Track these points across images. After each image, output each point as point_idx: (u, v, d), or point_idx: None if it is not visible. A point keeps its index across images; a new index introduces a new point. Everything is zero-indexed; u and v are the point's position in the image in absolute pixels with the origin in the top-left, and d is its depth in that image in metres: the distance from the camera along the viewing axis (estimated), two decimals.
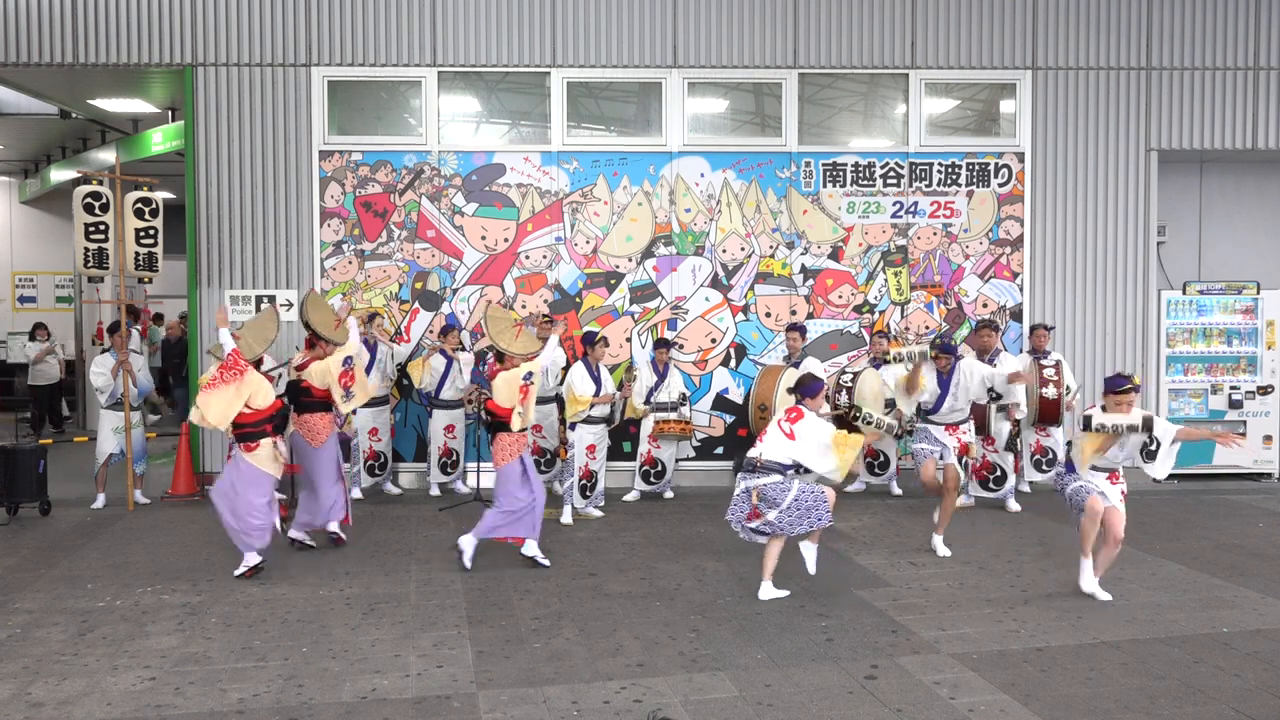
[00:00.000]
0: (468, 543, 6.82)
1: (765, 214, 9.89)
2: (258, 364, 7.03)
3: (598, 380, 8.35)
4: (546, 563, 6.89)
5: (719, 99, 10.21)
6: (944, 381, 7.34)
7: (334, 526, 7.47)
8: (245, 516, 6.62)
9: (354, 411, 9.27)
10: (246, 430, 6.68)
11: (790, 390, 6.43)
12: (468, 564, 6.79)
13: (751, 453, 6.17)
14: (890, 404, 9.13)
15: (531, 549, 6.91)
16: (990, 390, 7.37)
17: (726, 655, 5.17)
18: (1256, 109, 10.19)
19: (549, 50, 9.74)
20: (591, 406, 8.28)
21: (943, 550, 7.22)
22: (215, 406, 6.56)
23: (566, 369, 8.79)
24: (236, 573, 6.61)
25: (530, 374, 6.86)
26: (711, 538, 7.69)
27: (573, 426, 8.43)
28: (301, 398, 7.43)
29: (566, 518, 8.32)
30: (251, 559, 6.65)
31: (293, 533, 7.41)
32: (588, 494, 8.47)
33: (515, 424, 6.83)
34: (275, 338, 7.37)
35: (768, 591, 6.14)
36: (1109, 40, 10.04)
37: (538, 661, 5.09)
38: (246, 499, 6.62)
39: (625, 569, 6.84)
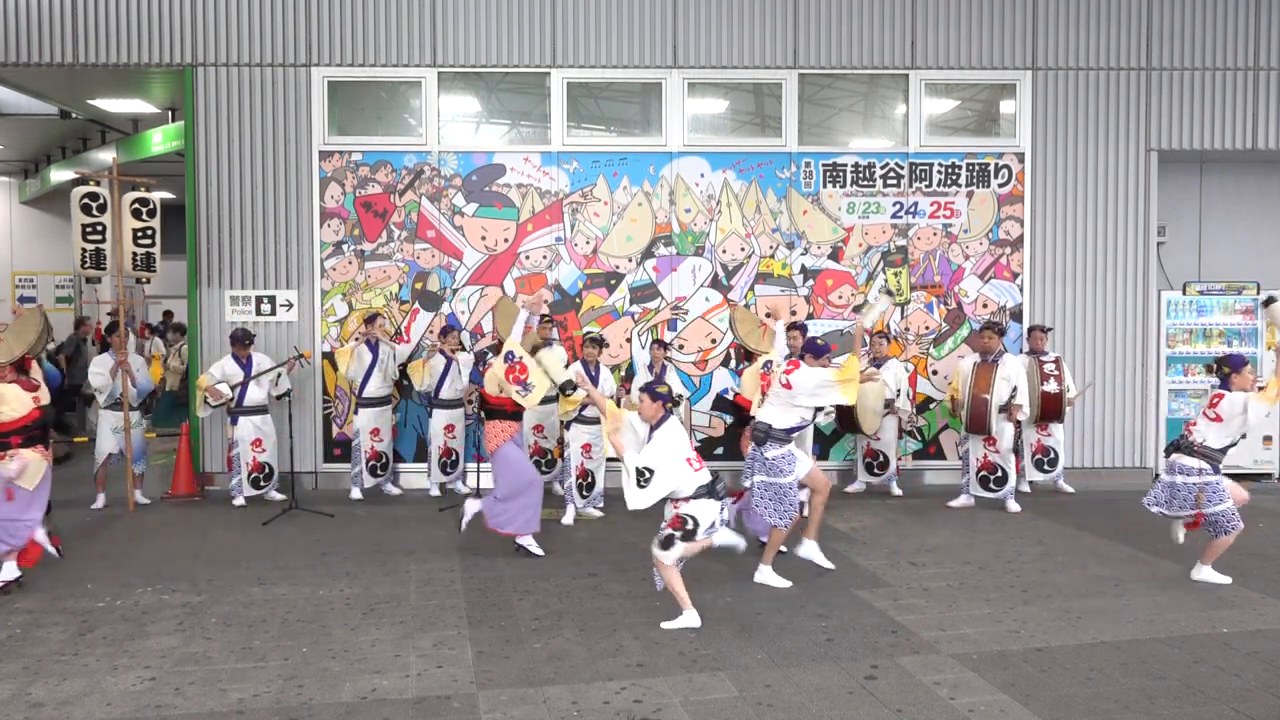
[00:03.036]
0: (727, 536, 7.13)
1: (765, 214, 9.89)
2: (21, 366, 6.66)
3: (595, 380, 8.35)
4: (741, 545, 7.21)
5: (719, 99, 10.21)
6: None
7: (525, 540, 7.18)
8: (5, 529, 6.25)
9: (355, 411, 9.31)
10: None
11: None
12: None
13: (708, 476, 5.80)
14: (889, 404, 9.16)
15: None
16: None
17: (726, 655, 5.17)
18: (1256, 109, 10.19)
19: (549, 50, 9.74)
20: (584, 407, 8.28)
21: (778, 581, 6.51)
22: None
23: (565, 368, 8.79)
24: None
25: (769, 361, 7.24)
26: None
27: (568, 426, 8.43)
28: (484, 406, 7.37)
29: (568, 518, 8.32)
30: (9, 571, 6.30)
31: (519, 539, 7.21)
32: (585, 493, 8.46)
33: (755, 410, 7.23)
34: (39, 340, 6.92)
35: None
36: (1109, 40, 10.04)
37: (538, 661, 5.09)
38: (5, 512, 6.24)
39: (625, 569, 6.84)
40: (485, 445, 7.37)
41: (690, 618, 5.62)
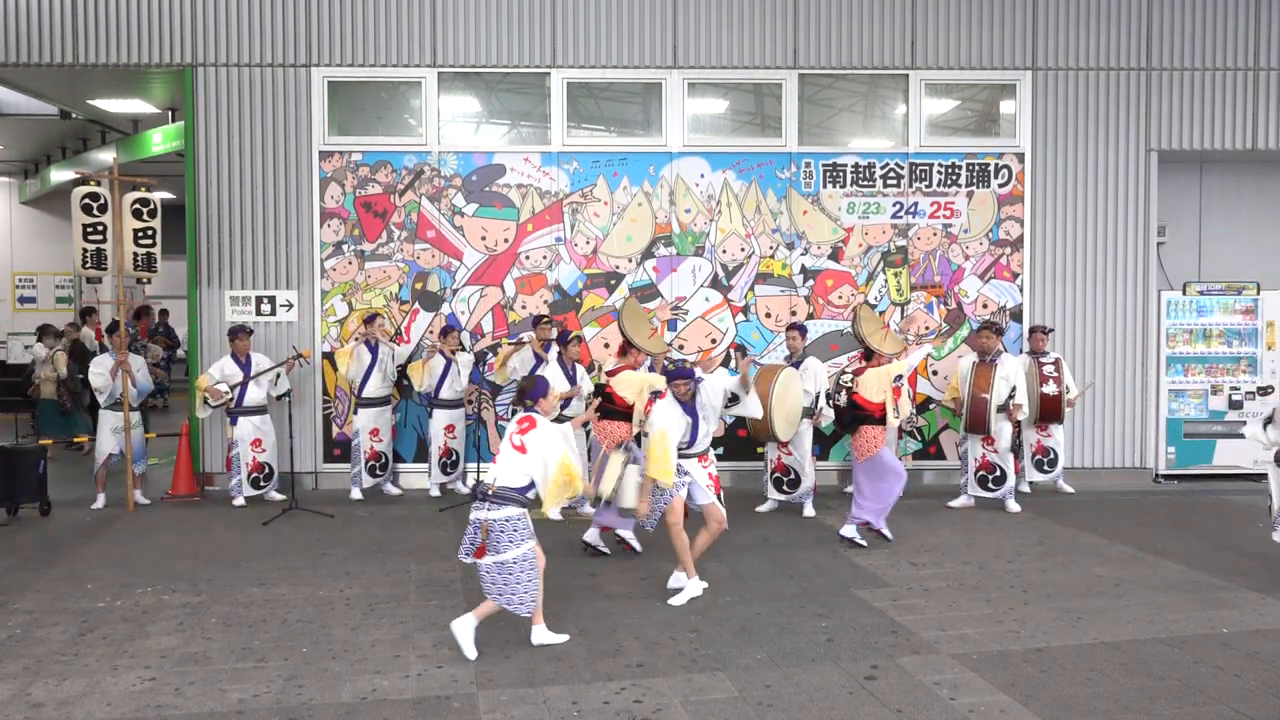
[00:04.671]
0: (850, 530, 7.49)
1: (765, 214, 9.89)
2: None
3: (572, 380, 8.39)
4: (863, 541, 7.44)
5: (719, 99, 10.21)
6: (690, 409, 6.13)
7: (626, 534, 7.22)
8: None
9: (355, 411, 9.32)
10: None
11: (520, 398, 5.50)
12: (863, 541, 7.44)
13: (486, 477, 5.25)
14: None
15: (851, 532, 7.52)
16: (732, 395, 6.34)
17: (726, 655, 5.17)
18: (1256, 109, 10.19)
19: (549, 50, 9.75)
20: (565, 405, 8.30)
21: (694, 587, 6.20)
22: None
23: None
24: None
25: (900, 376, 7.42)
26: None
27: None
28: (605, 404, 7.24)
29: (555, 514, 8.36)
30: None
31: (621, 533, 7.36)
32: None
33: (890, 419, 7.48)
34: None
35: (541, 635, 5.33)
36: (1109, 40, 10.04)
37: (538, 661, 5.09)
38: None
39: (625, 569, 6.84)
40: (600, 443, 7.48)
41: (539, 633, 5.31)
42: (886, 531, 7.56)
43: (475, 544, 5.14)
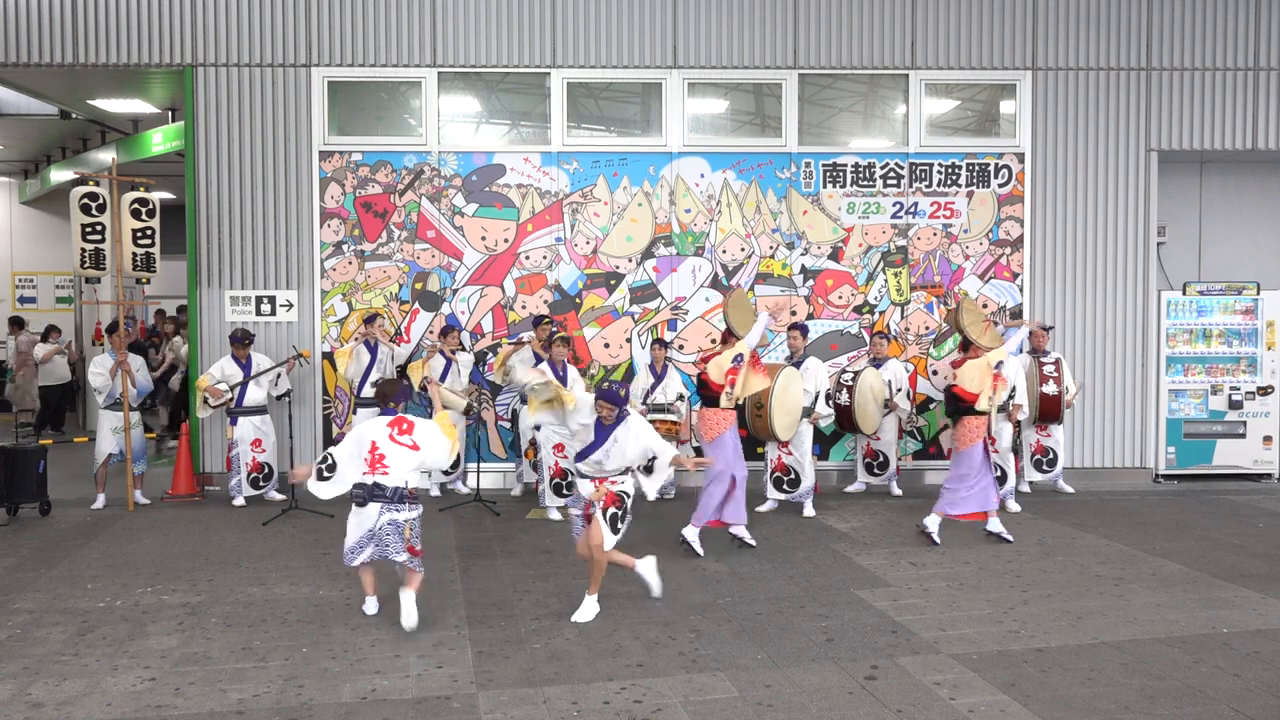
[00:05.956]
0: (937, 523, 7.59)
1: (765, 214, 9.89)
2: None
3: (561, 380, 8.37)
4: (1010, 537, 7.59)
5: (719, 99, 10.21)
6: (601, 431, 5.81)
7: (739, 530, 7.44)
8: None
9: (354, 411, 9.32)
10: None
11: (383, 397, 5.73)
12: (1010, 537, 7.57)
13: (386, 480, 5.50)
14: (887, 403, 9.16)
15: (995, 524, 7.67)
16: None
17: (726, 655, 5.17)
18: (1256, 109, 10.19)
19: (549, 50, 9.75)
20: None
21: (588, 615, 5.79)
22: None
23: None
24: None
25: (1001, 363, 7.46)
26: (711, 538, 7.68)
27: (538, 427, 8.42)
28: (701, 390, 7.56)
29: (554, 514, 8.38)
30: None
31: (732, 530, 7.48)
32: (564, 493, 8.46)
33: (982, 404, 7.43)
34: None
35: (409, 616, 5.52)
36: (1109, 40, 10.04)
37: (538, 661, 5.09)
38: None
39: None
40: (701, 433, 7.53)
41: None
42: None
43: (407, 541, 5.62)
